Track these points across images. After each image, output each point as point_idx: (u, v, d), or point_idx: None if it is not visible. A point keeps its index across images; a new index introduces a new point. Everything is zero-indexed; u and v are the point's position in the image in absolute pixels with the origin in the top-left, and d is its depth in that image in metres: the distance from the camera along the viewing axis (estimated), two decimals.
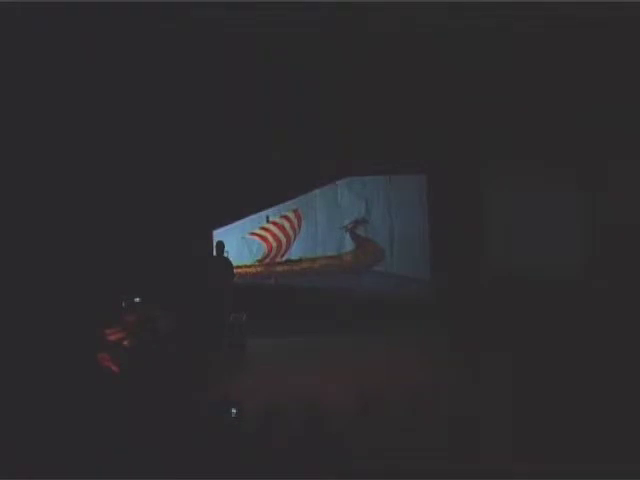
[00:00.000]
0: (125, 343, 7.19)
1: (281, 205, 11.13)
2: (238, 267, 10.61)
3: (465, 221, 9.66)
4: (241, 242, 11.13)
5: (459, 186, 9.74)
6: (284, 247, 11.19)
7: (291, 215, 11.17)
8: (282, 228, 11.18)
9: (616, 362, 6.44)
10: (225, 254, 9.32)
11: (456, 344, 8.32)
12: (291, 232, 11.17)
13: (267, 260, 11.22)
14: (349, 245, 11.02)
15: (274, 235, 11.19)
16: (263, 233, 11.23)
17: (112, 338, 7.19)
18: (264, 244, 11.22)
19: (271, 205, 11.08)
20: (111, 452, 4.31)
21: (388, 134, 9.27)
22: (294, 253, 11.17)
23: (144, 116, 8.67)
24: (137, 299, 8.01)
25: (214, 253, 9.43)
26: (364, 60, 8.20)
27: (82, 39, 7.47)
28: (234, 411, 4.88)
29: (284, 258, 11.20)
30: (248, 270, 11.16)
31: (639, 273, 8.17)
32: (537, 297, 8.55)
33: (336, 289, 10.77)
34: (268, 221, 11.22)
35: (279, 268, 11.21)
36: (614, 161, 8.56)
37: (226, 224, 10.87)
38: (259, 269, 11.23)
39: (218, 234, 10.50)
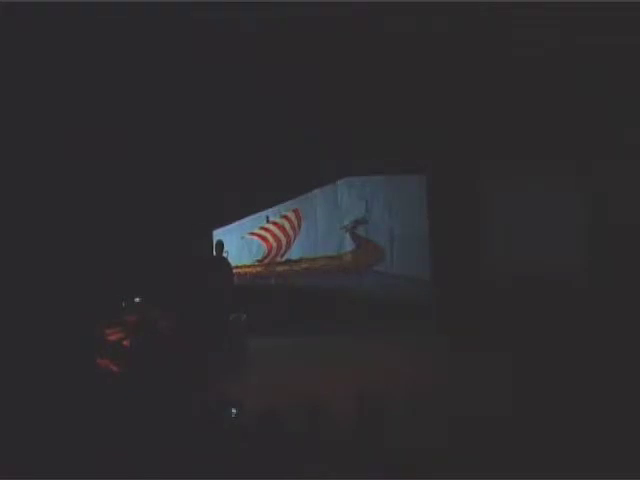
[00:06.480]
0: (125, 343, 7.19)
1: (281, 205, 11.13)
2: (238, 267, 10.63)
3: (465, 221, 9.66)
4: (241, 242, 11.13)
5: (459, 186, 9.73)
6: (284, 247, 11.18)
7: (291, 215, 11.17)
8: (282, 228, 11.18)
9: (616, 362, 6.45)
10: (225, 254, 9.31)
11: (456, 344, 8.32)
12: (291, 232, 11.16)
13: (267, 260, 11.22)
14: (349, 245, 11.01)
15: (274, 235, 11.19)
16: (263, 233, 11.23)
17: (112, 338, 7.19)
18: (264, 244, 11.22)
19: (271, 205, 11.08)
20: (111, 452, 4.30)
21: (388, 134, 9.27)
22: (294, 253, 11.16)
23: (144, 116, 8.68)
24: (137, 299, 8.01)
25: (214, 253, 9.43)
26: (364, 60, 8.21)
27: (82, 39, 7.48)
28: (234, 411, 4.87)
29: (284, 258, 11.20)
30: (248, 270, 11.16)
31: (639, 273, 8.17)
32: (537, 297, 8.55)
33: (336, 289, 10.76)
34: (268, 221, 11.22)
35: (279, 268, 11.21)
36: (614, 161, 8.55)
37: (226, 224, 10.87)
38: (259, 269, 11.23)
39: (218, 234, 10.49)
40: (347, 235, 10.99)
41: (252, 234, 11.22)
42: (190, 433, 4.50)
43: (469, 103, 8.87)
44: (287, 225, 11.17)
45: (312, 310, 9.96)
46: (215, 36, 7.69)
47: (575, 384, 5.97)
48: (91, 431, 4.64)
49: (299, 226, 11.14)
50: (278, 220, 11.20)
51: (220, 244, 9.24)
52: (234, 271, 9.68)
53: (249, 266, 11.19)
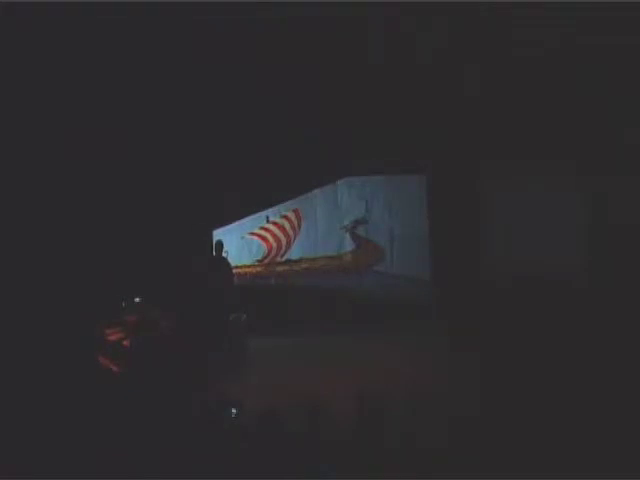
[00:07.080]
0: (125, 343, 7.19)
1: (281, 205, 11.13)
2: (238, 267, 10.63)
3: (465, 221, 9.66)
4: (241, 242, 11.13)
5: (459, 186, 9.73)
6: (284, 247, 11.19)
7: (291, 215, 11.17)
8: (282, 228, 11.18)
9: (616, 362, 6.45)
10: (225, 254, 9.31)
11: (456, 344, 8.32)
12: (291, 232, 11.17)
13: (267, 260, 11.22)
14: (349, 245, 11.01)
15: (274, 235, 11.19)
16: (263, 233, 11.23)
17: (112, 338, 7.20)
18: (264, 244, 11.22)
19: (271, 205, 11.09)
20: (111, 452, 4.31)
21: (388, 134, 9.27)
22: (294, 253, 11.16)
23: (144, 116, 8.68)
24: (137, 299, 8.02)
25: (214, 253, 9.43)
26: (364, 60, 8.20)
27: (82, 39, 7.48)
28: (234, 411, 4.88)
29: (284, 258, 11.20)
30: (248, 270, 11.16)
31: (639, 273, 8.17)
32: (537, 297, 8.54)
33: (336, 289, 10.76)
34: (268, 221, 11.22)
35: (279, 268, 11.21)
36: (614, 161, 8.55)
37: (226, 224, 10.87)
38: (259, 269, 11.23)
39: (218, 234, 10.49)
40: (347, 235, 10.99)
41: (252, 234, 11.22)
42: (190, 433, 4.50)
43: (469, 103, 8.87)
44: (287, 225, 11.17)
45: (312, 310, 9.96)
46: (215, 36, 7.69)
47: (575, 384, 5.97)
48: (91, 431, 4.64)
49: (299, 226, 11.15)
50: (278, 220, 11.20)
51: (220, 244, 9.24)
52: (234, 271, 9.68)
53: (249, 266, 11.19)
